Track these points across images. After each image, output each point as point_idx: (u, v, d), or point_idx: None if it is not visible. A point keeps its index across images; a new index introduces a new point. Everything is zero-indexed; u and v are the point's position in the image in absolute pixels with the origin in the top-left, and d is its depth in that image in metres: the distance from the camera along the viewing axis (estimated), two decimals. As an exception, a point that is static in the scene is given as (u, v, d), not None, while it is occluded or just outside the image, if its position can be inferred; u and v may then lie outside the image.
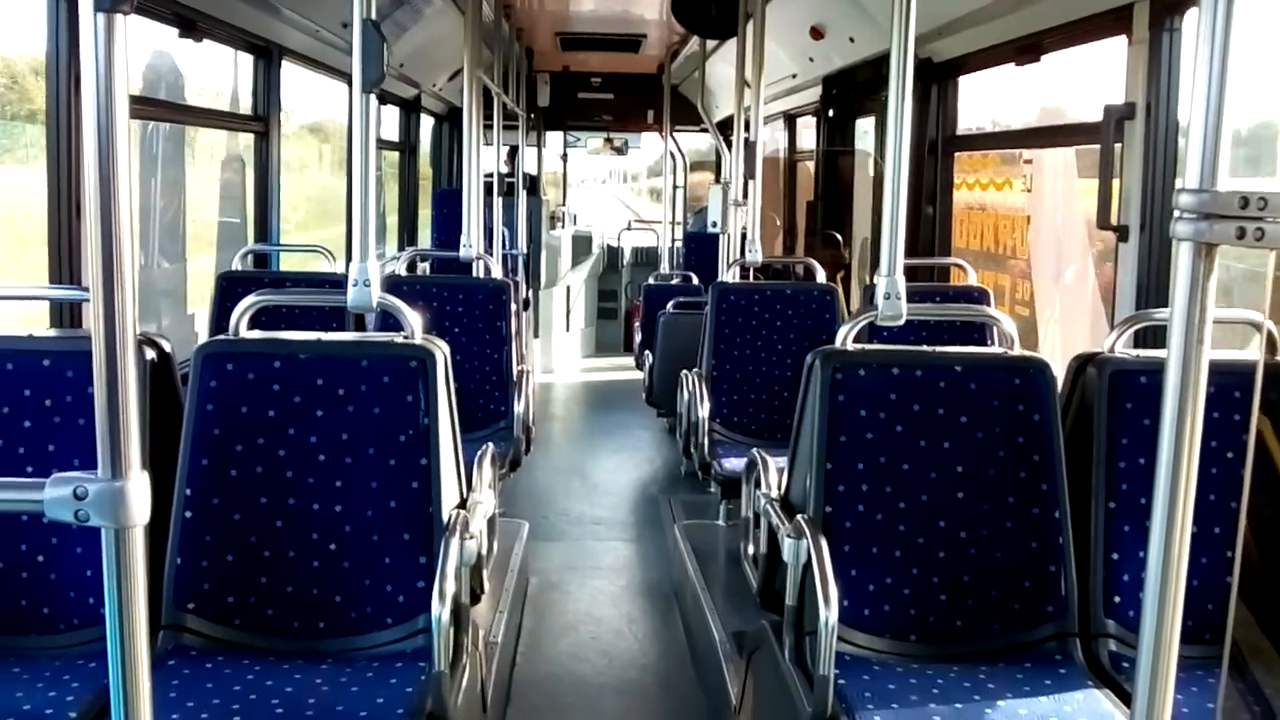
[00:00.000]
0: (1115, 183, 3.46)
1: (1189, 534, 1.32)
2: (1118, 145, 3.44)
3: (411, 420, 2.58)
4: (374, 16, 2.68)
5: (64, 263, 3.21)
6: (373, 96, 2.75)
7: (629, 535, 5.48)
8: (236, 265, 4.87)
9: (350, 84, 2.74)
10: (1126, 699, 2.22)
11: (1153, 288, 3.39)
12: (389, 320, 2.80)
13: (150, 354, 2.59)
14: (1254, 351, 2.86)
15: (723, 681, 3.33)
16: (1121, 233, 3.48)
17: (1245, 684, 2.37)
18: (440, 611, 2.30)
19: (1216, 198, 1.24)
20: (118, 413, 1.20)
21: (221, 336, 2.70)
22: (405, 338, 2.66)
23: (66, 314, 3.25)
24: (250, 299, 2.72)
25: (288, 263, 5.46)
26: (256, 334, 2.72)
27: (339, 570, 2.56)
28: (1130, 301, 3.45)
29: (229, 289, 4.45)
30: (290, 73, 5.28)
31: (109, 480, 1.20)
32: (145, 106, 4.31)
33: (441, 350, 2.65)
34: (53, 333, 3.11)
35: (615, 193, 27.63)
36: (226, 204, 5.70)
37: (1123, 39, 3.49)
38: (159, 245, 5.11)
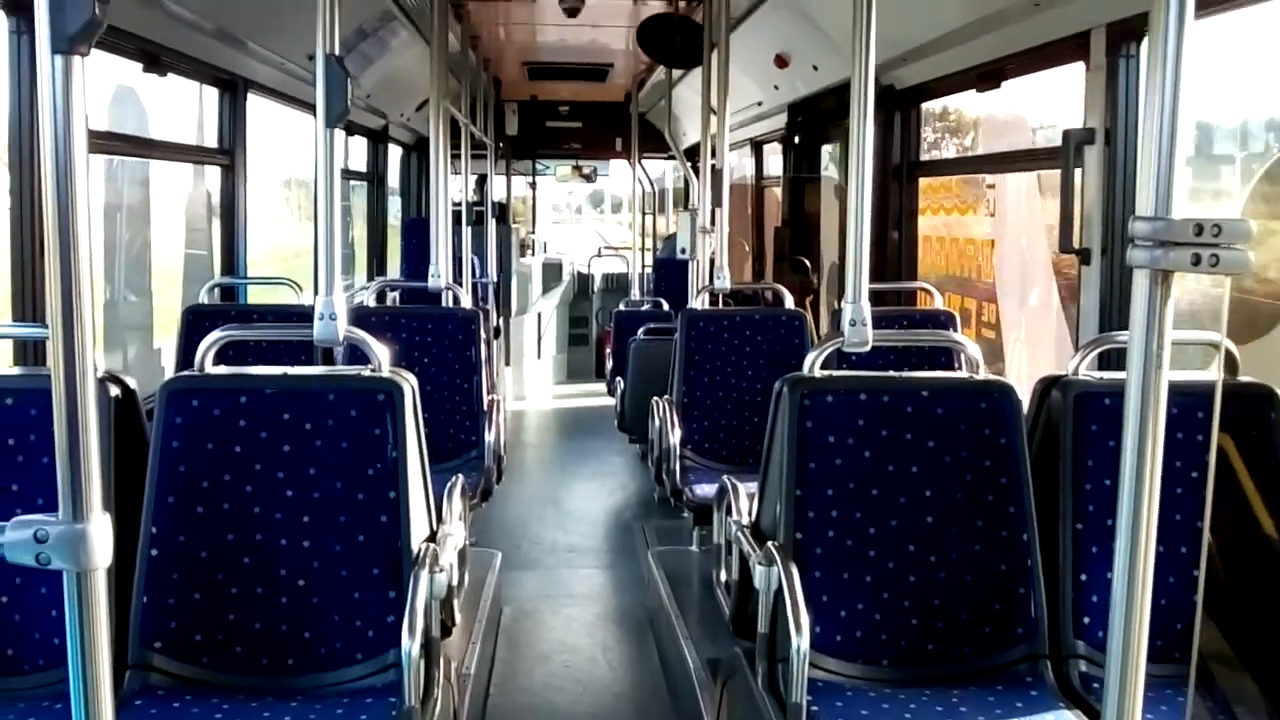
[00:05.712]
0: (1076, 207, 3.50)
1: (1153, 554, 1.33)
2: (1078, 170, 3.49)
3: (379, 454, 2.57)
4: (339, 50, 2.69)
5: (27, 300, 3.18)
6: (338, 129, 2.75)
7: (603, 563, 5.45)
8: (203, 299, 4.83)
9: (316, 116, 2.74)
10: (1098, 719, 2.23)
11: (1115, 310, 3.42)
12: (357, 353, 2.79)
13: (115, 391, 2.56)
14: (1214, 372, 2.90)
15: (697, 709, 3.32)
16: (1083, 256, 3.52)
17: (1214, 702, 2.38)
18: (410, 646, 2.29)
19: (1171, 225, 1.26)
20: (78, 453, 1.18)
21: (186, 372, 2.68)
22: (373, 370, 2.65)
23: (31, 352, 3.22)
24: (215, 334, 2.70)
25: (255, 295, 5.42)
26: (223, 369, 2.70)
27: (308, 606, 2.54)
28: (1094, 324, 3.49)
29: (195, 323, 4.39)
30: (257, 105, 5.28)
31: (70, 522, 1.19)
32: (109, 141, 4.28)
33: (409, 382, 2.64)
34: (16, 371, 3.07)
35: (595, 227, 26.87)
36: (193, 237, 5.66)
37: (1081, 65, 3.54)
38: (125, 279, 5.06)
